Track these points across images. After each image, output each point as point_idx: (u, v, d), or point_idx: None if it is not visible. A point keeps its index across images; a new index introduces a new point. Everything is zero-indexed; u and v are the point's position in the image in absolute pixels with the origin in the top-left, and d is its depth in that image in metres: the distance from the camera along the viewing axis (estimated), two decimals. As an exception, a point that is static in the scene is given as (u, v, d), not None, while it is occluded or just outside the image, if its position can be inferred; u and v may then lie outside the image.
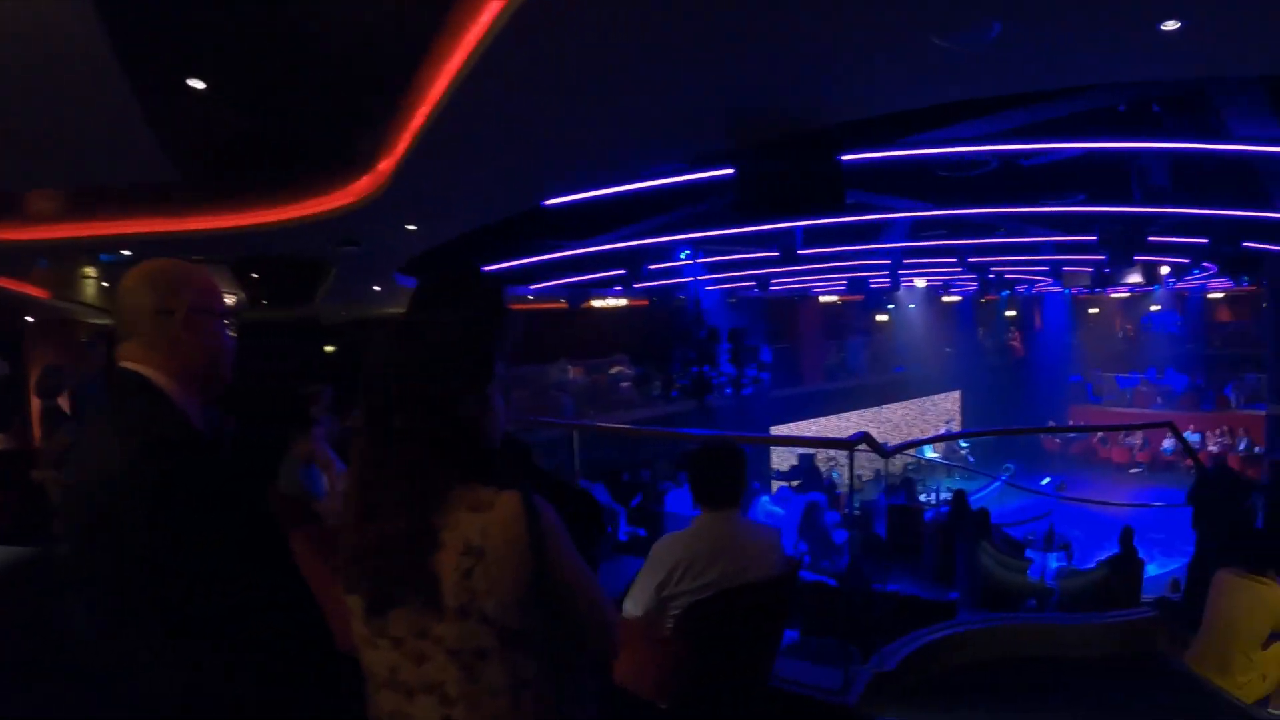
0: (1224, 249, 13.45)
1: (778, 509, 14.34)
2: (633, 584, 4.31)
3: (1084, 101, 6.67)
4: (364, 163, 7.60)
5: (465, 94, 5.08)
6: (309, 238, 9.52)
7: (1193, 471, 25.31)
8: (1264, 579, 5.94)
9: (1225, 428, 27.56)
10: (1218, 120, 7.23)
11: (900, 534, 14.38)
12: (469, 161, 6.81)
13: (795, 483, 18.79)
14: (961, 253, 13.99)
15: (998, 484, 27.02)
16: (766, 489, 17.79)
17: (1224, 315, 35.21)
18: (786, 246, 10.72)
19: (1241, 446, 26.37)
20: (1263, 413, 25.43)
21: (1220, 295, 33.06)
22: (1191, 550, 13.53)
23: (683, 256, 14.10)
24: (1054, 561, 12.95)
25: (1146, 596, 11.01)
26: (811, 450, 25.19)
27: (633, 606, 4.15)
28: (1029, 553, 12.78)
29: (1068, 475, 27.41)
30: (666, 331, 12.60)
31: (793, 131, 5.39)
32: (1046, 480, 26.37)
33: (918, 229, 13.16)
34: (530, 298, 18.57)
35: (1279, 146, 7.59)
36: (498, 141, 6.33)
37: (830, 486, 16.63)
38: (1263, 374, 26.86)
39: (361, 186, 7.92)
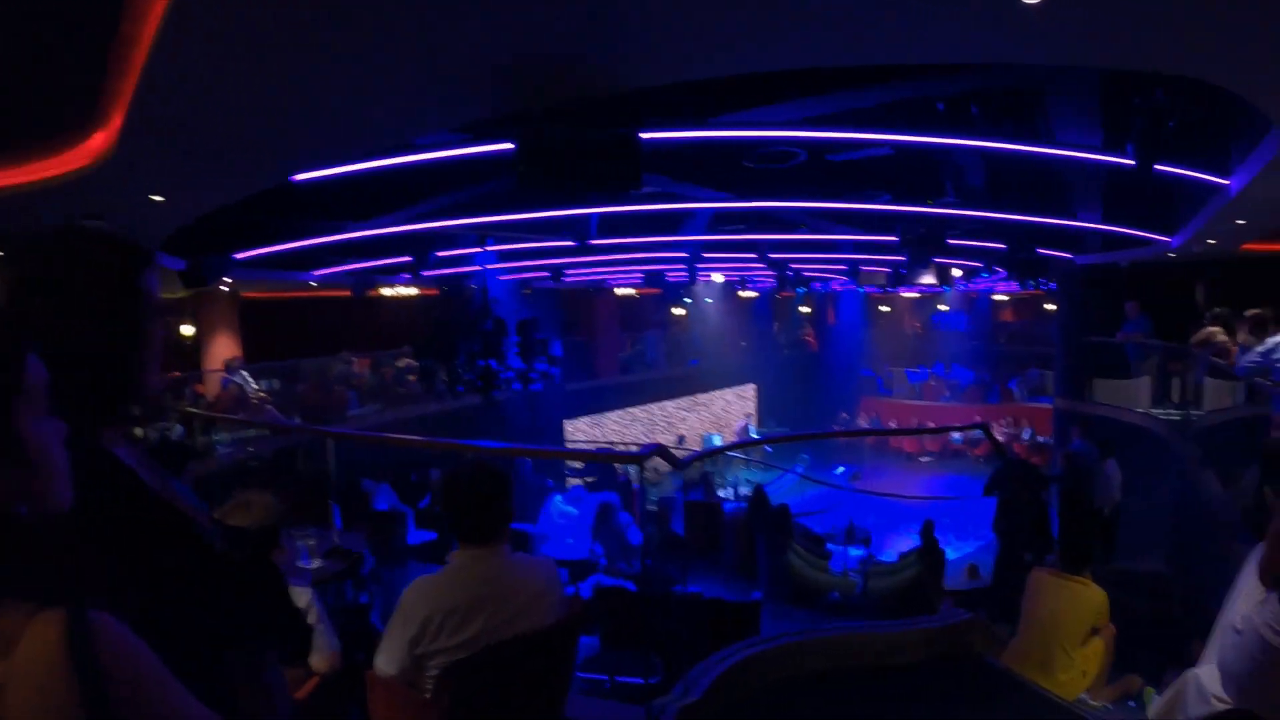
0: (1019, 254, 13.72)
1: (571, 509, 13.67)
2: (385, 634, 3.55)
3: (899, 92, 6.22)
4: (83, 126, 6.43)
5: (169, 46, 4.17)
6: (43, 209, 8.18)
7: (982, 461, 26.92)
8: (1080, 579, 6.01)
9: (1010, 418, 28.75)
10: (1044, 124, 6.97)
11: (699, 531, 14.02)
12: (198, 126, 5.74)
13: (590, 479, 18.19)
14: (762, 248, 13.64)
15: (794, 476, 27.43)
16: (561, 487, 17.13)
17: (1008, 316, 37.60)
18: (580, 234, 10.00)
19: (1026, 436, 27.69)
20: (1045, 405, 27.10)
21: (1005, 298, 35.02)
22: (986, 535, 13.78)
23: (483, 242, 13.25)
24: (855, 553, 12.79)
25: (949, 584, 11.10)
26: (607, 443, 24.85)
27: (385, 663, 3.42)
28: (830, 546, 12.58)
29: (861, 465, 28.47)
30: (452, 323, 11.65)
31: (581, 96, 4.64)
32: (841, 470, 26.95)
33: (718, 221, 12.72)
34: (314, 284, 17.32)
35: (1095, 154, 7.41)
36: (226, 103, 5.31)
37: (625, 484, 16.05)
38: (1045, 370, 29.05)
39: (91, 150, 6.74)
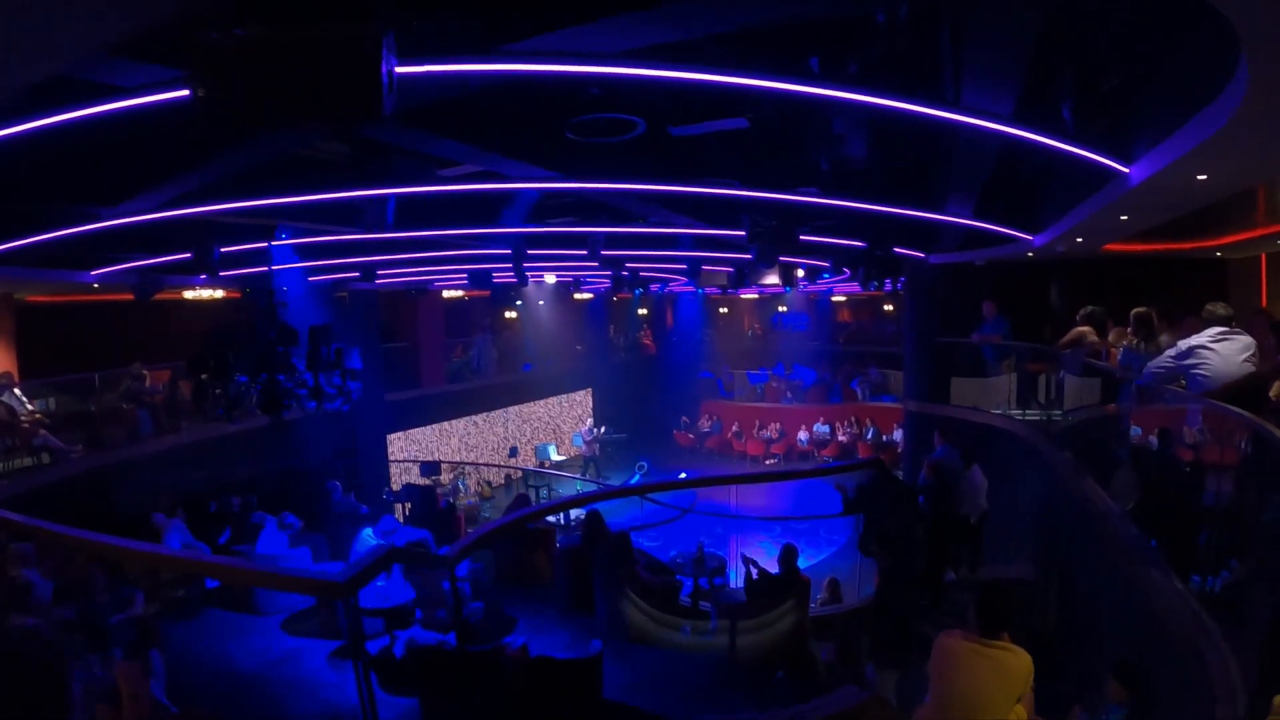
0: (877, 252, 13.19)
1: (383, 544, 11.91)
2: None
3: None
4: None
5: None
6: None
7: (830, 461, 26.59)
8: (1001, 644, 5.17)
9: (853, 418, 29.01)
10: (953, 84, 5.67)
11: (520, 566, 12.57)
12: None
13: (408, 504, 16.41)
14: (594, 242, 12.15)
15: (635, 479, 26.50)
16: (384, 512, 15.34)
17: (845, 316, 38.23)
18: (376, 221, 8.23)
19: (869, 435, 27.86)
20: (888, 404, 28.55)
21: (843, 298, 35.71)
22: (837, 539, 12.93)
23: (273, 235, 11.39)
24: (706, 584, 11.55)
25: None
26: (433, 458, 23.09)
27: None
28: (679, 578, 11.24)
29: (704, 469, 27.56)
30: (229, 331, 9.78)
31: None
32: (684, 475, 25.98)
33: (546, 212, 11.15)
34: (95, 286, 15.01)
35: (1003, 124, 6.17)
36: None
37: (448, 509, 14.36)
38: (885, 370, 29.84)
39: None
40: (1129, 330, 9.69)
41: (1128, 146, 7.31)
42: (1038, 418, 14.69)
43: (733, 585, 11.98)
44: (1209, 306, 7.30)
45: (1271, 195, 10.90)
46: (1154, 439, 9.94)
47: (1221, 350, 7.05)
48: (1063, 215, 10.70)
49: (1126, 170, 7.43)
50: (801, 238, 11.25)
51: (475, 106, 6.35)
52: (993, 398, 16.16)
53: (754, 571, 10.55)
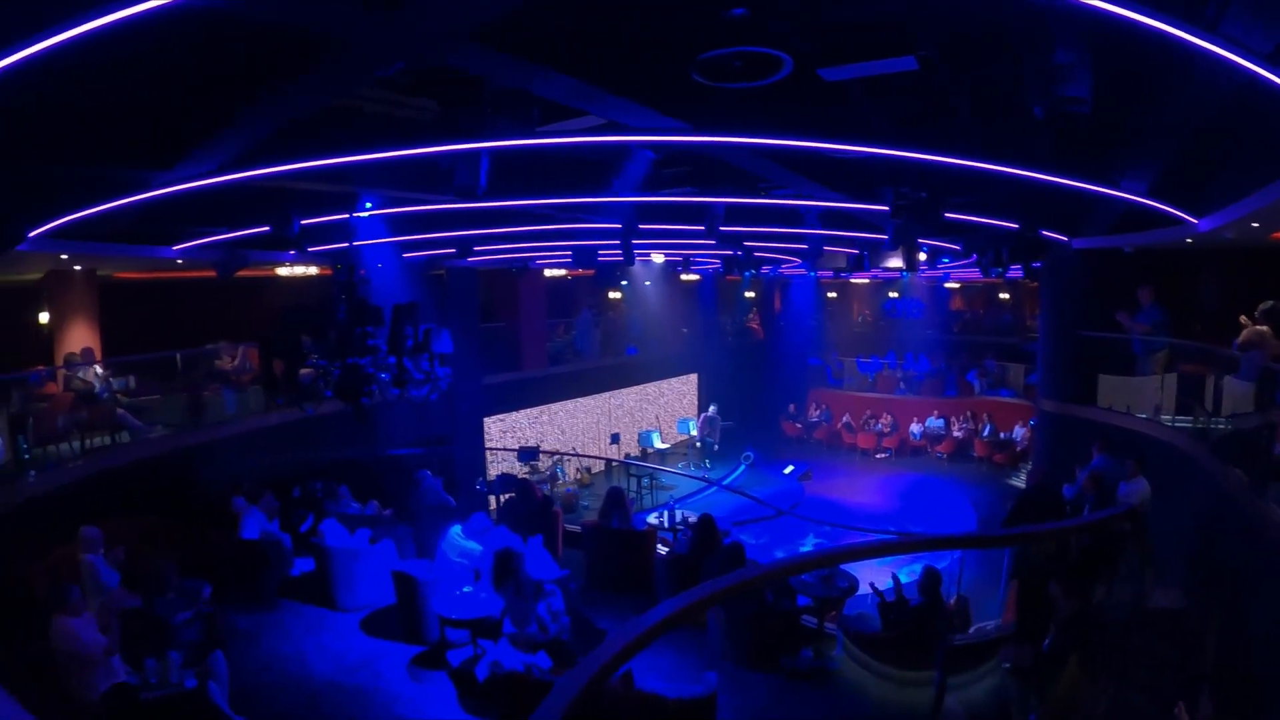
0: (1027, 233, 12.14)
1: (473, 545, 10.93)
2: None
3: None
4: None
5: None
6: None
7: (945, 459, 25.15)
8: None
9: (969, 412, 27.58)
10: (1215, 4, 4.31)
11: (614, 571, 11.67)
12: None
13: (504, 496, 15.36)
14: (713, 215, 10.86)
15: (740, 470, 26.26)
16: (465, 512, 14.36)
17: (958, 304, 36.63)
18: (469, 184, 7.07)
19: (986, 432, 26.32)
20: (1006, 399, 27.43)
21: (956, 285, 34.23)
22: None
23: (367, 207, 10.46)
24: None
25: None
26: (535, 446, 22.18)
27: None
28: (802, 599, 9.98)
29: (812, 461, 27.21)
30: (304, 310, 8.79)
31: None
32: (790, 469, 25.13)
33: (659, 182, 9.89)
34: (180, 261, 14.30)
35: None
36: None
37: (545, 503, 13.25)
38: (1002, 361, 28.56)
39: None
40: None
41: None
42: (1191, 425, 13.03)
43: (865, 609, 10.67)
44: None
45: None
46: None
47: None
48: (1252, 192, 9.03)
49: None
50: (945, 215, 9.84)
51: (588, 34, 5.20)
52: (1140, 400, 14.50)
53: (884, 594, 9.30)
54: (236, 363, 16.80)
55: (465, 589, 9.88)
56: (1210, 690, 5.39)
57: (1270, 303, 10.51)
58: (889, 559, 11.55)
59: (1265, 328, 10.36)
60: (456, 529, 11.21)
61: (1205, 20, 4.35)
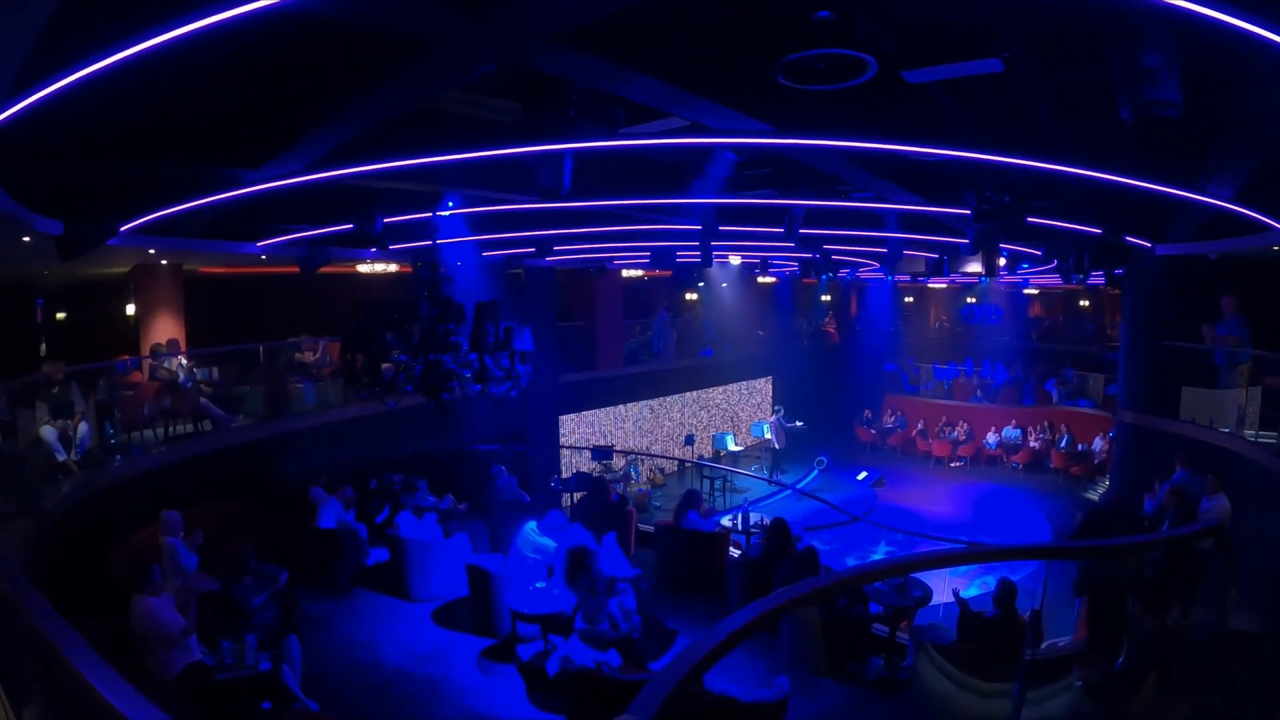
0: (1109, 239, 11.97)
1: (548, 541, 11.06)
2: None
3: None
4: None
5: None
6: None
7: (1020, 470, 24.67)
8: None
9: (1046, 422, 27.14)
10: None
11: (685, 572, 11.62)
12: None
13: (578, 494, 15.51)
14: (793, 218, 10.81)
15: (813, 475, 26.21)
16: (550, 501, 14.53)
17: (1036, 311, 35.87)
18: (553, 183, 7.15)
19: (1064, 443, 25.80)
20: (1084, 410, 26.75)
21: (1035, 292, 33.67)
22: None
23: (449, 206, 10.60)
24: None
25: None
26: (609, 445, 22.30)
27: None
28: (874, 606, 9.93)
29: (885, 468, 26.88)
30: (386, 306, 8.97)
31: None
32: (863, 475, 24.92)
33: (738, 184, 9.87)
34: (264, 257, 14.66)
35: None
36: None
37: (619, 503, 13.35)
38: (1082, 371, 28.08)
39: None
40: None
41: None
42: (1275, 440, 12.79)
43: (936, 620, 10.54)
44: None
45: None
46: None
47: None
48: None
49: None
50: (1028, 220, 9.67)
51: (674, 37, 5.24)
52: (1222, 413, 14.17)
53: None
54: (317, 356, 17.17)
55: (538, 584, 10.00)
56: None
57: None
58: (960, 569, 11.44)
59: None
60: (532, 525, 11.35)
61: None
